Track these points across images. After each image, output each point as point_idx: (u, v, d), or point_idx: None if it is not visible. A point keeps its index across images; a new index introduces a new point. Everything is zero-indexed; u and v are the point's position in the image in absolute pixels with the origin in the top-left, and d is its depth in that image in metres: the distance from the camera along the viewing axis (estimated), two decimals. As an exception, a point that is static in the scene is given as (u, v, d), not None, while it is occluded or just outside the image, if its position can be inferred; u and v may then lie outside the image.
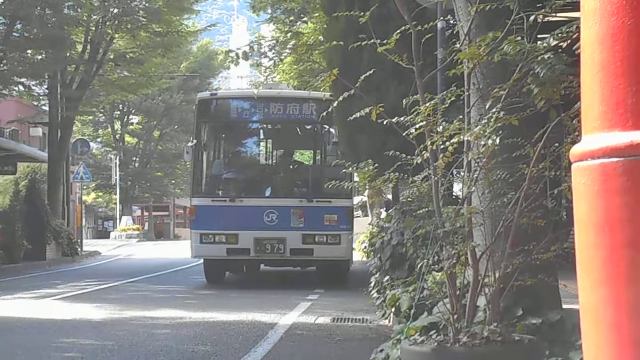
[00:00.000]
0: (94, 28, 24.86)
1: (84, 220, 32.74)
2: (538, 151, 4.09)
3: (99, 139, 52.61)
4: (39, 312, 9.92)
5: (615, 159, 1.48)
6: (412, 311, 5.44)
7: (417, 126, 4.24)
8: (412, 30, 4.43)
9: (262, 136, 16.48)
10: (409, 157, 4.53)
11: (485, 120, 3.92)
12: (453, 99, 4.44)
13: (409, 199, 5.88)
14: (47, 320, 9.10)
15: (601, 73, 1.52)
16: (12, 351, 7.10)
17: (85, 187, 33.77)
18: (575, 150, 1.58)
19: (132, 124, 53.60)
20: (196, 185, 14.24)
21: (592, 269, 1.55)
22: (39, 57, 23.53)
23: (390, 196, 14.87)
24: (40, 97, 28.14)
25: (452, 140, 4.08)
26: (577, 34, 3.74)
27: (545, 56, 3.79)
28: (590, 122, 1.56)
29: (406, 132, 4.34)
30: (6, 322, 9.13)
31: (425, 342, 4.19)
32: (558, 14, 4.77)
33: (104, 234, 54.12)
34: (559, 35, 3.91)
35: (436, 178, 4.32)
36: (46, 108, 27.65)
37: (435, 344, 4.12)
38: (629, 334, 1.46)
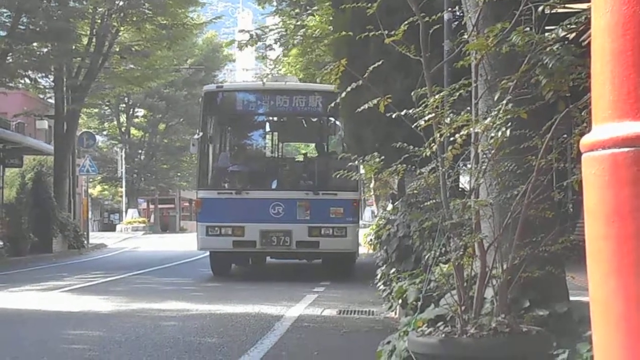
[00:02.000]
0: (99, 21, 24.87)
1: (90, 212, 32.83)
2: (546, 143, 4.08)
3: (104, 132, 52.64)
4: (46, 305, 9.95)
5: (625, 149, 1.47)
6: (419, 303, 5.44)
7: (426, 118, 4.23)
8: (420, 22, 4.41)
9: (268, 128, 16.48)
10: (415, 148, 4.52)
11: (495, 112, 3.91)
12: (461, 90, 4.43)
13: (415, 191, 5.87)
14: (54, 313, 9.13)
15: (612, 62, 1.51)
16: (20, 343, 7.12)
17: (91, 179, 33.86)
18: (586, 140, 1.57)
19: (137, 117, 53.62)
20: (202, 177, 14.24)
21: (601, 260, 1.54)
22: (45, 49, 23.56)
23: (395, 186, 14.86)
24: (46, 90, 28.18)
25: (461, 132, 4.06)
26: (585, 25, 3.72)
27: (554, 47, 3.78)
28: (600, 112, 1.55)
29: (415, 124, 4.33)
30: (14, 314, 9.16)
31: (433, 334, 4.19)
32: (566, 5, 4.75)
33: (110, 227, 54.21)
34: (568, 26, 3.89)
35: (443, 170, 4.31)
36: (52, 101, 27.70)
37: (443, 335, 4.12)
38: (639, 325, 1.46)
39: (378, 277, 9.03)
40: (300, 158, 15.80)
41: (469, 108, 4.44)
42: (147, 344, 6.84)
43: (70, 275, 14.95)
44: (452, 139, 4.17)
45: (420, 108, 4.34)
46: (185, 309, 9.33)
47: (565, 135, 4.29)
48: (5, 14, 22.29)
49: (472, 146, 4.34)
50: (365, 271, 12.54)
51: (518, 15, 4.09)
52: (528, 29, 4.00)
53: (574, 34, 4.25)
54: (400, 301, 7.03)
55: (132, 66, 27.47)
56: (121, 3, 24.62)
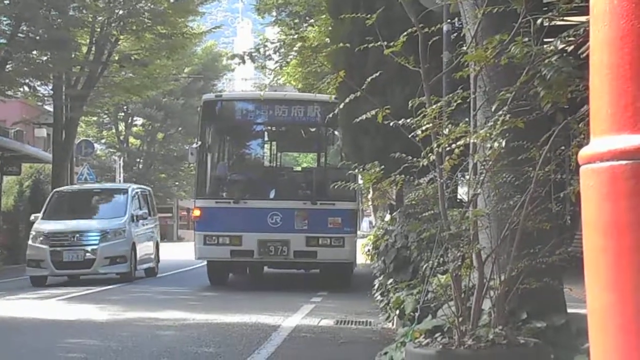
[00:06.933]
0: (99, 29, 24.90)
1: (87, 221, 32.66)
2: (544, 154, 4.08)
3: (103, 140, 52.65)
4: (43, 313, 9.93)
5: (623, 162, 1.47)
6: (417, 314, 5.44)
7: (424, 128, 4.24)
8: (419, 33, 4.43)
9: (266, 138, 16.48)
10: (414, 159, 4.52)
11: (492, 123, 3.92)
12: (459, 101, 4.44)
13: (413, 202, 5.88)
14: (51, 321, 9.11)
15: (610, 76, 1.52)
16: (17, 351, 7.11)
17: (89, 188, 33.74)
18: (584, 152, 1.58)
19: (135, 125, 53.65)
20: (200, 186, 14.23)
21: (599, 273, 1.54)
22: (44, 58, 23.58)
23: (393, 197, 14.87)
24: (45, 98, 28.19)
25: (458, 143, 4.07)
26: (583, 38, 3.73)
27: (553, 59, 3.79)
28: (598, 125, 1.55)
29: (412, 134, 4.34)
30: (11, 323, 9.14)
31: (430, 345, 4.18)
32: (565, 18, 4.76)
33: (107, 235, 54.02)
34: (566, 38, 3.91)
35: (442, 181, 4.32)
36: (51, 109, 27.70)
37: (440, 346, 4.12)
38: (637, 338, 1.46)
39: (375, 287, 9.01)
40: (299, 168, 15.82)
41: (467, 119, 4.45)
42: (144, 353, 6.82)
43: (67, 284, 14.91)
44: (448, 149, 4.18)
45: (418, 118, 4.35)
46: (182, 318, 9.31)
47: (563, 147, 4.29)
48: (5, 22, 22.33)
49: (470, 157, 4.35)
50: (362, 281, 12.52)
51: (517, 27, 4.10)
52: (527, 40, 4.01)
53: (572, 46, 4.26)
54: (397, 312, 7.02)
55: (131, 75, 27.48)
56: (121, 12, 24.65)
